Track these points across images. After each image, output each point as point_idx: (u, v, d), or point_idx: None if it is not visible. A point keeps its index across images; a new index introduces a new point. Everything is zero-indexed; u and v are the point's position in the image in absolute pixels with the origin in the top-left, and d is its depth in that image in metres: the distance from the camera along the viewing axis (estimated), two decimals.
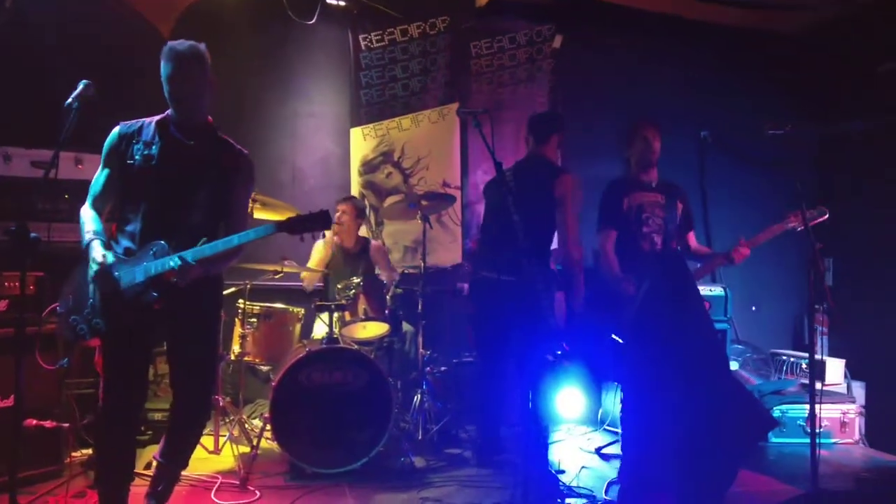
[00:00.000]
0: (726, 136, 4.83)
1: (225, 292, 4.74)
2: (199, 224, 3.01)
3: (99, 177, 3.10)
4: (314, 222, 2.94)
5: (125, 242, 3.02)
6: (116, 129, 3.09)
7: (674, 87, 6.96)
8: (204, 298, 3.15)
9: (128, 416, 3.09)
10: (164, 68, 2.95)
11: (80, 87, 2.92)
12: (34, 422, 3.80)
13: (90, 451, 3.91)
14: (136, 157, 3.01)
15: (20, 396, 2.62)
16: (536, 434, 3.78)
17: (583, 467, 4.61)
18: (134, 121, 3.11)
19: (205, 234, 2.94)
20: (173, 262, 2.82)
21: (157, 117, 3.11)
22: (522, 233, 3.32)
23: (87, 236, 2.98)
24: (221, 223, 3.09)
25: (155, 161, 3.01)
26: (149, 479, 3.33)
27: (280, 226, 2.95)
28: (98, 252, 2.90)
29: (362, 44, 6.42)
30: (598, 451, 4.97)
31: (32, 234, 2.60)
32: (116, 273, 2.91)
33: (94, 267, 2.89)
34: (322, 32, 6.29)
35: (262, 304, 4.90)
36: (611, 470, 4.56)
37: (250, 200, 3.25)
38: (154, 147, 3.02)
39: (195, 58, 2.96)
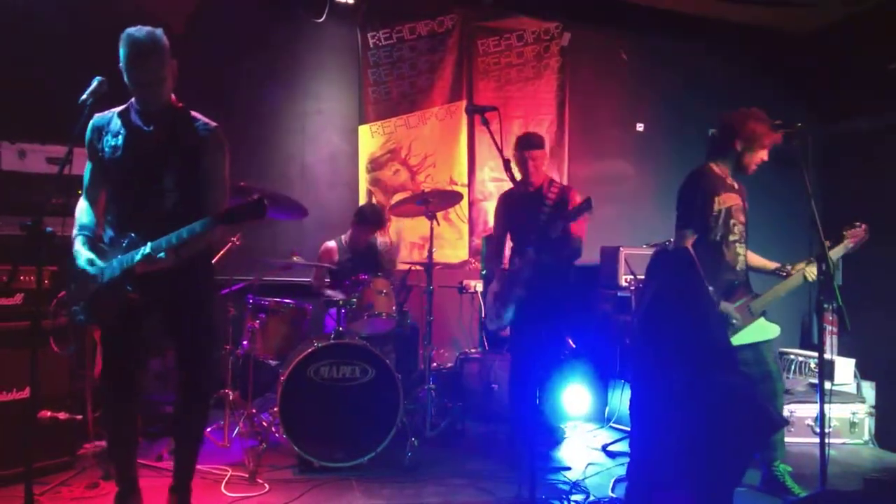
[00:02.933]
0: None
1: (234, 288, 4.79)
2: (172, 208, 3.04)
3: (86, 169, 3.20)
4: (250, 212, 2.87)
5: (109, 231, 3.12)
6: (91, 122, 3.12)
7: (681, 85, 6.97)
8: (187, 284, 3.16)
9: (124, 384, 3.19)
10: (122, 55, 2.94)
11: (94, 83, 2.95)
12: (48, 413, 3.84)
13: (103, 443, 3.94)
14: (106, 148, 3.08)
15: (36, 388, 2.65)
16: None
17: (589, 464, 4.63)
18: (107, 112, 3.14)
19: (180, 216, 2.93)
20: (139, 254, 2.90)
21: (122, 107, 3.13)
22: None
23: (73, 232, 3.10)
24: (199, 201, 3.08)
25: (120, 152, 3.05)
26: (161, 471, 3.37)
27: (218, 219, 2.90)
28: (81, 254, 3.02)
29: (370, 41, 6.45)
30: (604, 448, 4.98)
31: (47, 229, 2.64)
32: (100, 269, 2.99)
33: (78, 264, 3.01)
34: (331, 30, 6.31)
35: (270, 299, 4.93)
36: (617, 467, 4.58)
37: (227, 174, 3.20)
38: (119, 137, 3.07)
39: (153, 44, 2.93)
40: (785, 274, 4.13)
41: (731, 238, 3.97)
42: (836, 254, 4.02)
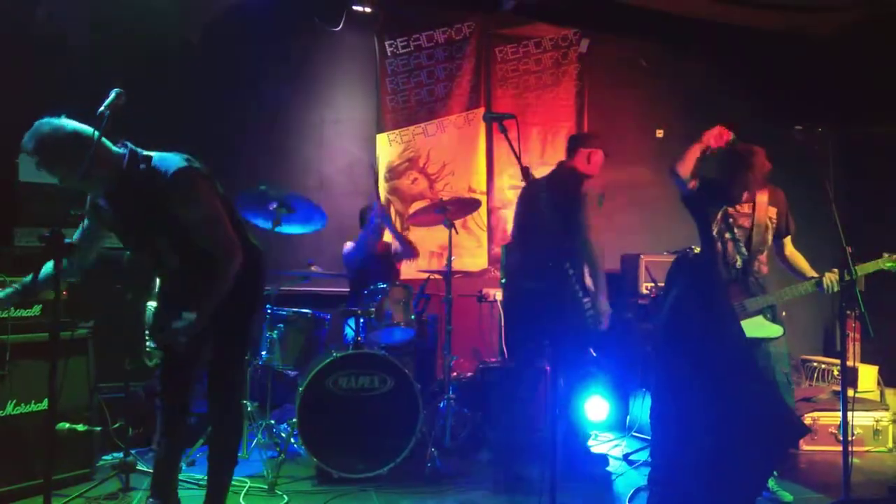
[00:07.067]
0: (753, 138, 4.81)
1: None
2: (178, 264, 3.07)
3: None
4: None
5: None
6: None
7: (701, 91, 6.91)
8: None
9: (174, 393, 3.25)
10: None
11: (112, 95, 2.94)
12: (67, 425, 3.86)
13: (121, 454, 3.96)
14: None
15: (54, 400, 2.66)
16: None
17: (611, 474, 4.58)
18: None
19: (190, 268, 3.02)
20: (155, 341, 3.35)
21: None
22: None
23: None
24: (199, 249, 3.01)
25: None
26: (188, 483, 3.37)
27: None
28: None
29: (388, 50, 6.45)
30: (625, 457, 4.93)
31: (66, 240, 2.64)
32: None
33: None
34: (348, 39, 6.33)
35: (289, 310, 4.92)
36: (638, 476, 4.53)
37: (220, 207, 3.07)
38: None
39: (31, 144, 2.83)
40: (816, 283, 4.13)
41: (728, 236, 4.11)
42: (864, 269, 4.06)
